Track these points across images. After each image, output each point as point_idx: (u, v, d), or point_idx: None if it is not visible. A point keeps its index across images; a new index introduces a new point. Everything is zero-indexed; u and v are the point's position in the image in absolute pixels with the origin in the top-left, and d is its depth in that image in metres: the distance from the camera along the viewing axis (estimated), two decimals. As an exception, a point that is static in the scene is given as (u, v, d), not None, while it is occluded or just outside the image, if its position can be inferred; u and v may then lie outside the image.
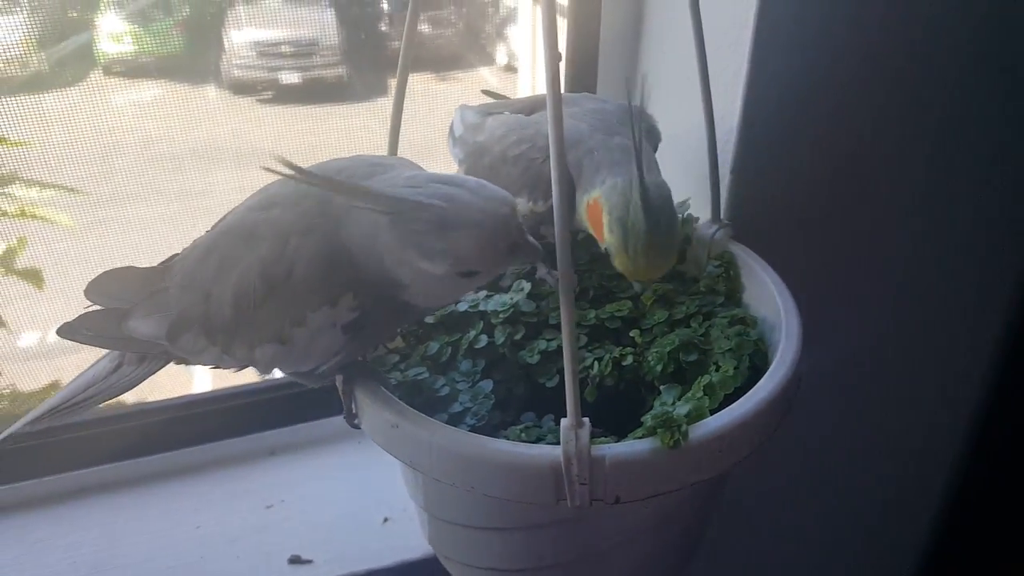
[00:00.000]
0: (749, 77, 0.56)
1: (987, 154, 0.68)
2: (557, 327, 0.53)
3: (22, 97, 0.63)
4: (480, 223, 0.39)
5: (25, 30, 0.61)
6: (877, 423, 0.83)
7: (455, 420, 0.49)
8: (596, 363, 0.51)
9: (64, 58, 0.64)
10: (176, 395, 0.74)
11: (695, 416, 0.41)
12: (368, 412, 0.46)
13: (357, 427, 0.48)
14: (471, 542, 0.53)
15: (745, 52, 0.56)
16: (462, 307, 0.55)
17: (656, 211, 0.45)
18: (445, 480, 0.43)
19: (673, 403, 0.43)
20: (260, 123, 0.74)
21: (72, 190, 0.68)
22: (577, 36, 0.71)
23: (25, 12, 0.61)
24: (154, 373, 0.49)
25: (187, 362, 0.48)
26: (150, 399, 0.74)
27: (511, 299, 0.54)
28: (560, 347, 0.51)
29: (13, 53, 0.62)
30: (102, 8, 0.68)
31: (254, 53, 0.73)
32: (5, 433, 0.49)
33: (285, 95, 0.77)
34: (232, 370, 0.48)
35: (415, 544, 0.68)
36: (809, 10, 0.57)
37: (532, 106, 0.61)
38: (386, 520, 0.71)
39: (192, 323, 0.45)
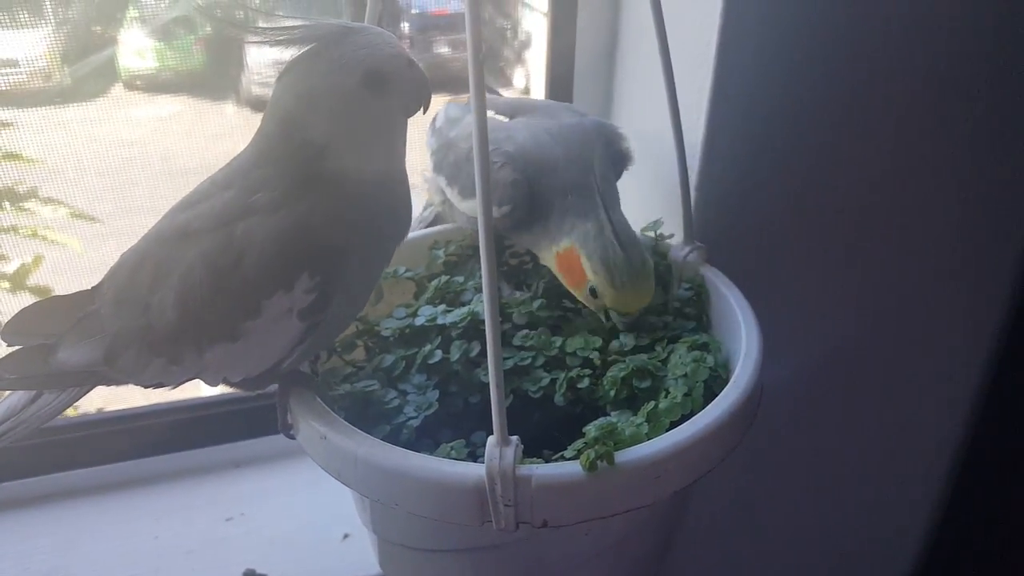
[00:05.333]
0: (713, 92, 0.55)
1: (953, 165, 0.67)
2: (517, 346, 0.52)
3: (43, 109, 0.64)
4: (376, 28, 0.42)
5: (49, 43, 0.63)
6: (859, 438, 0.81)
7: (395, 432, 0.47)
8: (552, 383, 0.49)
9: (87, 72, 0.66)
10: (140, 404, 0.73)
11: (628, 441, 0.39)
12: (301, 423, 0.44)
13: (293, 438, 0.46)
14: (417, 565, 0.51)
15: (709, 67, 0.54)
16: (420, 320, 0.54)
17: (630, 246, 0.49)
18: (371, 496, 0.41)
19: (610, 429, 0.41)
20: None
21: (89, 218, 0.69)
22: (554, 48, 0.71)
23: (50, 26, 0.63)
24: (79, 399, 0.47)
25: (123, 383, 0.46)
26: (113, 407, 0.74)
27: (469, 310, 0.53)
28: (515, 367, 0.51)
29: (37, 66, 0.64)
30: (126, 24, 0.69)
31: (274, 71, 0.74)
32: None
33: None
34: (169, 388, 0.46)
35: (374, 562, 0.66)
36: (773, 26, 0.56)
37: (515, 108, 0.60)
38: (346, 536, 0.69)
39: (132, 339, 0.43)
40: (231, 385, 0.46)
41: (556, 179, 0.52)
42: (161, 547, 0.69)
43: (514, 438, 0.37)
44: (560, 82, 0.72)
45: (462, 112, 0.61)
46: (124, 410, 0.73)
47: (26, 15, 0.62)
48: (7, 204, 0.67)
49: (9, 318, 0.47)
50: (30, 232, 0.69)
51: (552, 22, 0.71)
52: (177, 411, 0.73)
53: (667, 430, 0.42)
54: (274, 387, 0.46)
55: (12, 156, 0.63)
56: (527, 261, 0.62)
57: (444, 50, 0.80)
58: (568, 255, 0.50)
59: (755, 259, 0.63)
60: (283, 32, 0.40)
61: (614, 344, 0.51)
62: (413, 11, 0.75)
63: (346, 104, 0.41)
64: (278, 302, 0.40)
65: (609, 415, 0.46)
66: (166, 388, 0.46)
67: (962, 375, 0.78)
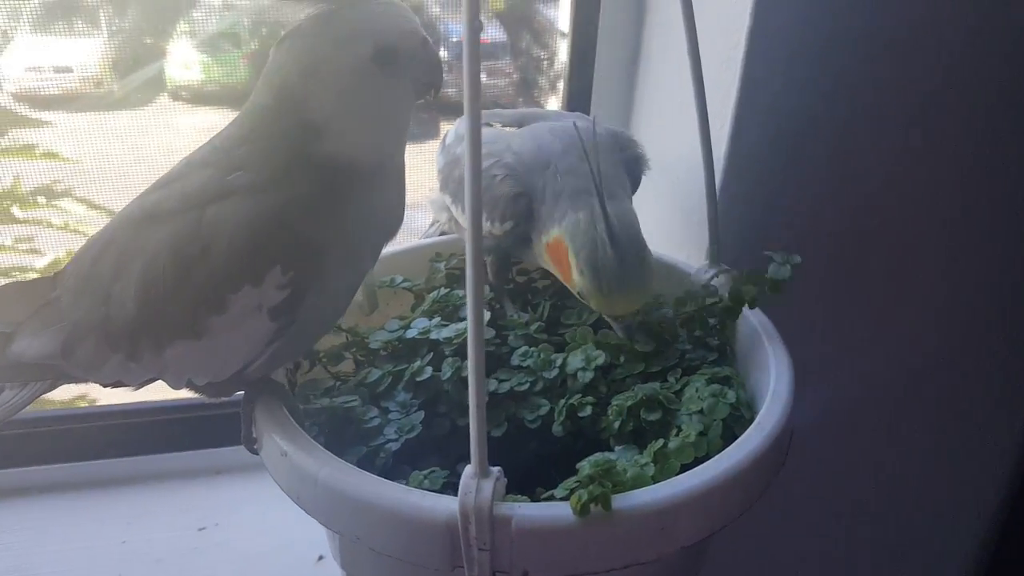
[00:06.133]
0: (739, 98, 0.50)
1: (1010, 190, 0.61)
2: (515, 367, 0.47)
3: (91, 114, 0.66)
4: (396, 2, 0.38)
5: (102, 52, 0.66)
6: (899, 487, 0.74)
7: (371, 455, 0.42)
8: (552, 410, 0.44)
9: (135, 80, 0.67)
10: (119, 401, 0.69)
11: (629, 483, 0.34)
12: (264, 436, 0.39)
13: (256, 453, 0.41)
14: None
15: (735, 75, 0.50)
16: (412, 333, 0.49)
17: (624, 244, 0.43)
18: (330, 526, 0.36)
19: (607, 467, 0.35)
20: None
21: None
22: (575, 56, 0.67)
23: (104, 36, 0.66)
24: (40, 395, 0.43)
25: (82, 380, 0.42)
26: (89, 402, 0.70)
27: (465, 325, 0.48)
28: (512, 392, 0.45)
29: (89, 73, 0.66)
30: (175, 37, 0.70)
31: None
32: None
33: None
34: (132, 388, 0.42)
35: (345, 591, 0.61)
36: (802, 36, 0.51)
37: (524, 118, 0.55)
38: (320, 559, 0.63)
39: (90, 331, 0.39)
40: (195, 390, 0.41)
41: (551, 170, 0.47)
42: (128, 552, 0.64)
43: (495, 469, 0.32)
44: (579, 98, 0.69)
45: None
46: (102, 406, 0.69)
47: (82, 24, 0.65)
48: (42, 199, 0.68)
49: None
50: (62, 226, 0.69)
51: (573, 40, 0.68)
52: (158, 411, 0.69)
53: (677, 473, 0.36)
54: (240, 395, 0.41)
55: (50, 155, 0.64)
56: (535, 279, 0.58)
57: (480, 77, 0.79)
58: (557, 246, 0.45)
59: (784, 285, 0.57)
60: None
61: (620, 370, 0.46)
62: (452, 39, 0.75)
63: (353, 78, 0.37)
64: (246, 297, 0.36)
65: (613, 450, 0.41)
66: (128, 389, 0.42)
67: (1015, 420, 0.71)
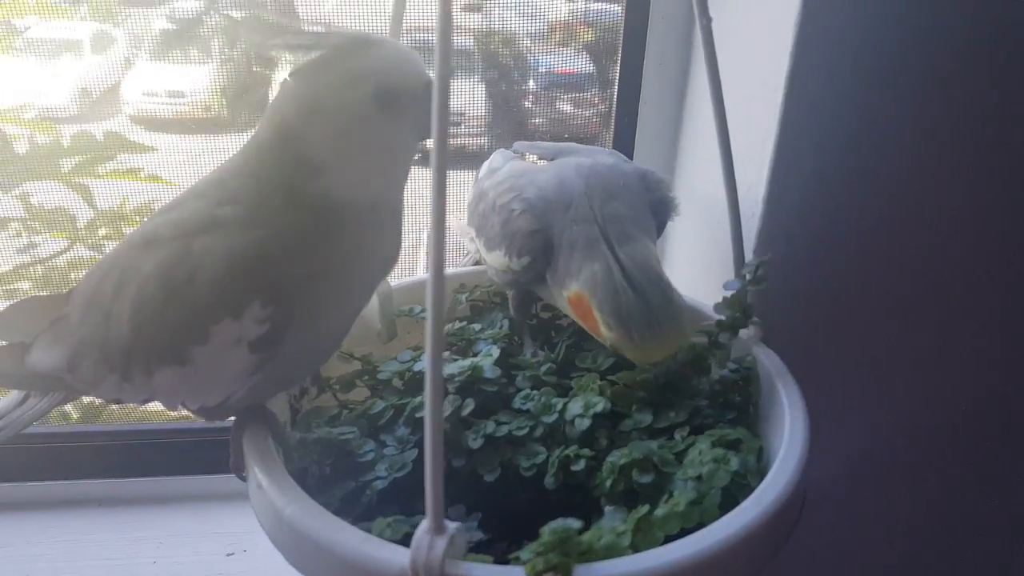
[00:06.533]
0: (779, 138, 0.46)
1: None
2: (519, 412, 0.45)
3: (200, 136, 0.71)
4: (398, 44, 0.38)
5: (213, 78, 0.71)
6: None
7: (357, 492, 0.41)
8: (546, 461, 0.42)
9: (242, 105, 0.71)
10: (161, 420, 0.72)
11: (600, 552, 0.31)
12: (248, 465, 0.39)
13: (244, 480, 0.41)
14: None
15: (776, 112, 0.46)
16: (419, 365, 0.48)
17: (643, 286, 0.42)
18: (294, 565, 0.35)
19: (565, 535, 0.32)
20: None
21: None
22: (621, 97, 0.66)
23: (215, 63, 0.71)
24: (57, 406, 0.44)
25: (87, 394, 0.43)
26: (134, 420, 0.72)
27: (472, 363, 0.46)
28: (510, 435, 0.44)
29: (199, 97, 0.71)
30: (281, 65, 0.73)
31: None
32: None
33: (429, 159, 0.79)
34: (136, 404, 0.42)
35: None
36: (845, 72, 0.48)
37: (557, 152, 0.54)
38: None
39: (92, 349, 0.40)
40: (190, 412, 0.42)
41: (569, 215, 0.46)
42: (157, 573, 0.66)
43: (453, 525, 0.30)
44: (623, 136, 0.67)
45: (504, 160, 0.56)
46: (144, 424, 0.72)
47: (196, 52, 0.70)
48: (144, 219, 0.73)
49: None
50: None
51: (620, 81, 0.66)
52: (194, 432, 0.70)
53: (661, 543, 0.34)
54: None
55: (153, 178, 0.68)
56: (559, 315, 0.56)
57: (566, 107, 0.80)
58: (579, 301, 0.44)
59: (816, 341, 0.53)
60: (298, 37, 0.37)
61: (627, 422, 0.43)
62: (540, 69, 0.76)
63: (352, 121, 0.36)
64: (226, 329, 0.36)
65: (603, 510, 0.39)
66: (132, 405, 0.43)
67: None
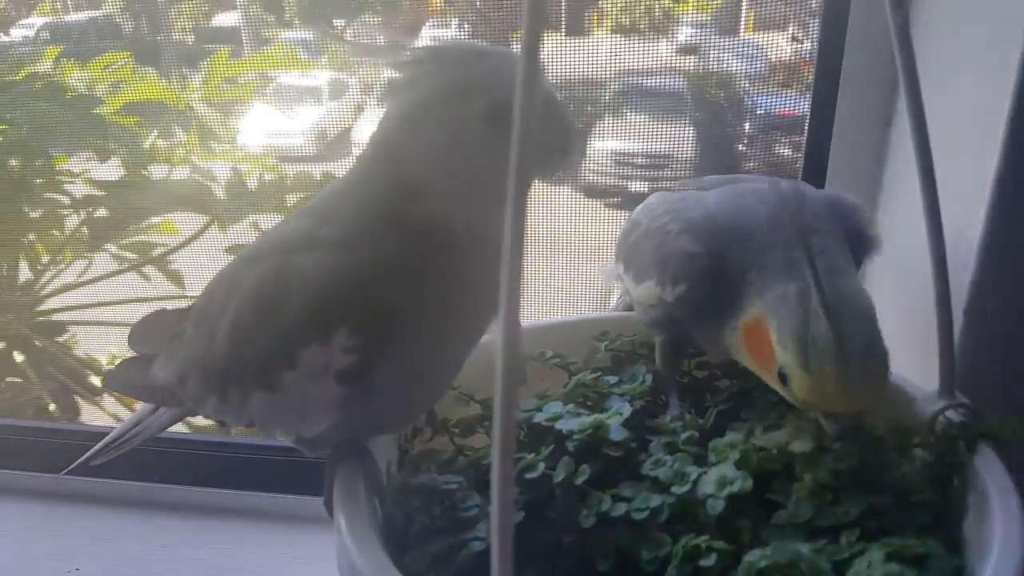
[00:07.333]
0: (999, 174, 0.36)
1: None
2: (645, 479, 0.38)
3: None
4: (515, 55, 0.32)
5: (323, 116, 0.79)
6: None
7: (454, 550, 0.37)
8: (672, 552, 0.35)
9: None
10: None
11: None
12: (335, 504, 0.37)
13: (332, 517, 0.39)
14: None
15: (997, 144, 0.36)
16: (540, 417, 0.43)
17: (846, 320, 0.34)
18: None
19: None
20: (602, 223, 0.73)
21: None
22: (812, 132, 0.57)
23: (325, 106, 0.79)
24: (183, 418, 0.45)
25: (195, 412, 0.43)
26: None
27: (596, 419, 0.41)
28: (626, 517, 0.36)
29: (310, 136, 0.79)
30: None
31: (611, 161, 0.79)
32: (76, 463, 0.49)
33: (631, 201, 0.78)
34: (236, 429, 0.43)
35: None
36: None
37: (719, 184, 0.47)
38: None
39: (196, 366, 0.40)
40: (291, 443, 0.40)
41: (753, 243, 0.38)
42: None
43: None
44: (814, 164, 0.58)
45: (661, 200, 0.48)
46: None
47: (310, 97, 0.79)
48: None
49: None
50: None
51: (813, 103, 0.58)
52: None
53: None
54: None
55: None
56: (718, 375, 0.48)
57: (785, 151, 0.76)
58: (755, 328, 0.36)
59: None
60: (410, 53, 0.35)
61: (780, 514, 0.35)
62: (758, 111, 0.74)
63: (459, 138, 0.33)
64: (314, 355, 0.34)
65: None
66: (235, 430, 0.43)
67: None
